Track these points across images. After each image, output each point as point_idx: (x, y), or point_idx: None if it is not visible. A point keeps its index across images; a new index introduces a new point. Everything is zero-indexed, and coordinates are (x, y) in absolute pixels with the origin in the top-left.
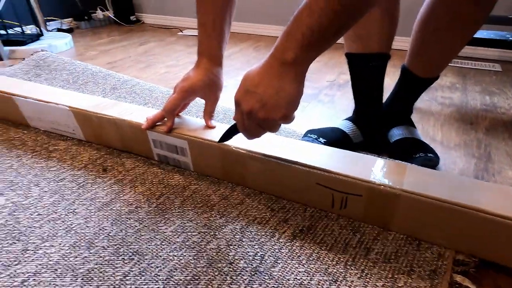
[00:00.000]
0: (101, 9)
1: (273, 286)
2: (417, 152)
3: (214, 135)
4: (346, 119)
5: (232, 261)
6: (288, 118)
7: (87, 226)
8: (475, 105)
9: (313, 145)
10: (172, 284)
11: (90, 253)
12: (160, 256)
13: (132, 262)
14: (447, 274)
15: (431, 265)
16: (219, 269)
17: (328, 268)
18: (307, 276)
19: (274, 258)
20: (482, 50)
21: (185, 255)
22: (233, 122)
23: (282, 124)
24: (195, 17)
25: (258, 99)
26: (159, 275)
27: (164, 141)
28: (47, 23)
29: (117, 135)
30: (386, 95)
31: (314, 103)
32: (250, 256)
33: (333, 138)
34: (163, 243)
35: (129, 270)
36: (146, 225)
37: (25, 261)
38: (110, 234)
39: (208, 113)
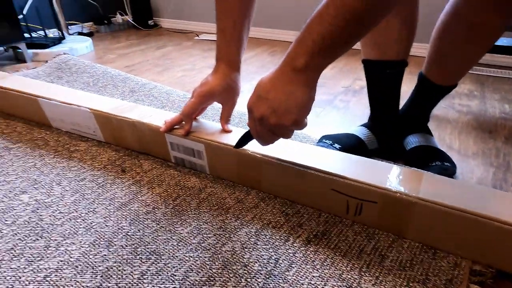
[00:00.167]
0: (120, 14)
1: None
2: (433, 161)
3: (231, 139)
4: (361, 125)
5: (246, 263)
6: (299, 123)
7: (106, 225)
8: (494, 113)
9: (328, 150)
10: (188, 285)
11: (109, 251)
12: (177, 256)
13: (150, 262)
14: (463, 284)
15: (447, 274)
16: (234, 271)
17: (342, 274)
18: (321, 281)
19: (288, 262)
20: (501, 57)
21: (200, 256)
22: (248, 127)
23: (295, 130)
24: (212, 22)
25: (269, 105)
26: (175, 275)
27: (181, 144)
28: (69, 27)
29: (136, 137)
30: (402, 102)
31: (329, 109)
32: (264, 259)
33: (348, 144)
34: (179, 244)
35: (146, 269)
36: (163, 225)
37: (47, 257)
38: (128, 233)
39: (225, 117)
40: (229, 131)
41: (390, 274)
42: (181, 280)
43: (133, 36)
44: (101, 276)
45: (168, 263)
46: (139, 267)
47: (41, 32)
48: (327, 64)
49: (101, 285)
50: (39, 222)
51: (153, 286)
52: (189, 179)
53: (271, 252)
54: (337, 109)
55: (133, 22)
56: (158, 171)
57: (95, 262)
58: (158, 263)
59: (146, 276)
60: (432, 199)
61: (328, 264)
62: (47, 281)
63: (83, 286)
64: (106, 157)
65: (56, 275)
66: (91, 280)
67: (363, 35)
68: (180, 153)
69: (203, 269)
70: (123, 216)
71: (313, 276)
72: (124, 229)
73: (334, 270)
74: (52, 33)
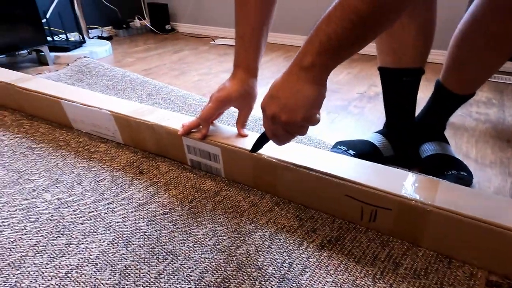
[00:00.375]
0: (138, 18)
1: None
2: (449, 170)
3: (246, 144)
4: (376, 132)
5: (261, 266)
6: (310, 119)
7: (125, 225)
8: None
9: (344, 156)
10: (204, 285)
11: (127, 250)
12: (192, 257)
13: (166, 262)
14: None
15: (462, 284)
16: (248, 273)
17: (356, 280)
18: (335, 287)
19: (302, 266)
20: None
21: (216, 258)
22: (263, 129)
23: (310, 135)
24: (227, 27)
25: (279, 103)
26: (191, 276)
27: (198, 147)
28: (89, 30)
29: (154, 139)
30: (418, 109)
31: (343, 115)
32: (278, 263)
33: (362, 150)
34: (195, 245)
35: (163, 269)
36: (179, 227)
37: (68, 254)
38: (145, 233)
39: (241, 122)
40: (245, 136)
41: (404, 282)
42: (197, 281)
43: (150, 40)
44: (120, 274)
45: (184, 264)
46: (156, 266)
47: (63, 36)
48: (335, 64)
49: (119, 283)
50: (61, 220)
51: (170, 285)
52: (205, 181)
53: (285, 256)
54: (352, 115)
55: (150, 27)
56: (175, 173)
57: (114, 260)
58: (175, 263)
59: (163, 276)
60: (448, 208)
61: (342, 270)
62: (68, 277)
63: (102, 284)
64: (125, 159)
65: (76, 271)
66: (110, 278)
67: (372, 38)
68: (196, 156)
69: (218, 271)
70: (141, 217)
71: (327, 281)
72: (141, 229)
73: (348, 276)
74: (73, 36)
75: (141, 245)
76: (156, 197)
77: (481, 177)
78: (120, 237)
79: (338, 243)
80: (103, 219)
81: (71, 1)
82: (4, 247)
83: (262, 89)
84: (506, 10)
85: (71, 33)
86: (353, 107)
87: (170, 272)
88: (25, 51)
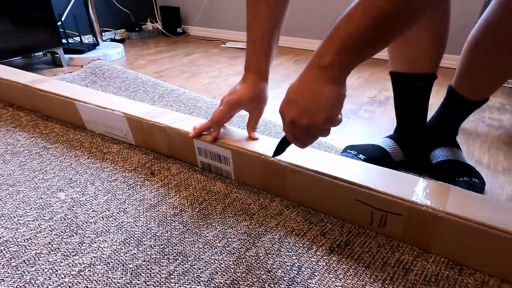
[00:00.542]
0: (151, 21)
1: None
2: (461, 176)
3: (257, 147)
4: (387, 137)
5: (270, 269)
6: (332, 120)
7: (136, 225)
8: None
9: (354, 161)
10: (213, 287)
11: (139, 250)
12: (202, 258)
13: (177, 262)
14: None
15: None
16: (258, 276)
17: (365, 285)
18: None
19: (311, 270)
20: None
21: (225, 260)
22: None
23: (320, 139)
24: (238, 30)
25: (298, 107)
26: (201, 277)
27: (209, 149)
28: (103, 33)
29: (165, 141)
30: (430, 113)
31: (354, 119)
32: (287, 266)
33: (373, 155)
34: (205, 247)
35: (173, 269)
36: (190, 228)
37: (81, 253)
38: (156, 234)
39: (252, 125)
40: (255, 139)
41: None
42: (206, 282)
43: (162, 43)
44: (131, 274)
45: (194, 265)
46: (167, 267)
47: (77, 38)
48: (354, 64)
49: (130, 282)
50: (74, 219)
51: (180, 286)
52: (215, 184)
53: (294, 259)
54: (362, 119)
55: (162, 30)
56: (185, 175)
57: (125, 259)
58: (185, 264)
59: (173, 276)
60: (460, 214)
61: (351, 275)
62: (81, 275)
63: (114, 282)
64: (137, 160)
65: (89, 270)
66: (122, 277)
67: (394, 38)
68: (207, 158)
69: (228, 272)
70: (152, 217)
71: (336, 286)
72: (152, 229)
73: (357, 280)
74: (87, 39)
75: (152, 246)
76: (167, 198)
77: (493, 184)
78: (131, 237)
79: (347, 248)
80: (115, 219)
81: (85, 4)
82: (20, 245)
83: (271, 93)
84: None
85: (85, 35)
86: (363, 111)
87: (180, 273)
88: (40, 53)
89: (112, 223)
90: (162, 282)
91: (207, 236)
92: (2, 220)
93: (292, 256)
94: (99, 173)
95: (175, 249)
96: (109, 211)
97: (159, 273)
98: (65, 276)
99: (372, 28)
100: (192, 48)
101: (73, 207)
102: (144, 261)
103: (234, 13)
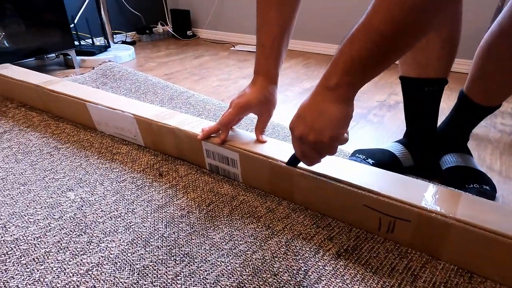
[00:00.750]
0: (161, 24)
1: None
2: (471, 183)
3: (265, 150)
4: (396, 141)
5: (276, 273)
6: (337, 139)
7: (144, 226)
8: None
9: (362, 165)
10: None
11: (146, 250)
12: (209, 260)
13: (183, 264)
14: None
15: None
16: (264, 279)
17: None
18: None
19: (318, 274)
20: None
21: (232, 262)
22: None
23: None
24: (247, 33)
25: (306, 124)
26: (207, 279)
27: (217, 152)
28: (114, 35)
29: (174, 143)
30: (440, 118)
31: (362, 123)
32: (294, 270)
33: (382, 160)
34: (211, 249)
35: (180, 270)
36: (197, 230)
37: (90, 252)
38: (164, 235)
39: (260, 128)
40: (263, 142)
41: None
42: (213, 284)
43: (172, 45)
44: (138, 274)
45: (200, 266)
46: (173, 268)
47: (89, 40)
48: (360, 83)
49: (137, 282)
50: (83, 219)
51: (186, 287)
52: (222, 186)
53: (301, 263)
54: (371, 123)
55: (172, 32)
56: (193, 177)
57: (132, 260)
58: (191, 265)
59: (180, 278)
60: (470, 221)
61: (358, 280)
62: (89, 274)
63: (121, 282)
64: (145, 161)
65: (97, 269)
66: (129, 277)
67: (397, 58)
68: (215, 160)
69: (234, 275)
70: (160, 218)
71: None
72: (160, 230)
73: (365, 286)
74: (99, 41)
75: (159, 246)
76: (174, 200)
77: (505, 191)
78: (139, 237)
79: (355, 253)
80: (123, 219)
81: (98, 7)
82: (30, 243)
83: (280, 96)
84: None
85: (97, 37)
86: (372, 115)
87: (187, 274)
88: (53, 55)
89: (120, 223)
90: (169, 283)
91: (214, 238)
92: (13, 218)
93: (299, 260)
94: (108, 174)
95: (182, 251)
96: (117, 211)
97: (165, 274)
98: (73, 275)
99: (373, 50)
100: (201, 51)
101: (82, 206)
102: (151, 262)
103: (243, 17)
